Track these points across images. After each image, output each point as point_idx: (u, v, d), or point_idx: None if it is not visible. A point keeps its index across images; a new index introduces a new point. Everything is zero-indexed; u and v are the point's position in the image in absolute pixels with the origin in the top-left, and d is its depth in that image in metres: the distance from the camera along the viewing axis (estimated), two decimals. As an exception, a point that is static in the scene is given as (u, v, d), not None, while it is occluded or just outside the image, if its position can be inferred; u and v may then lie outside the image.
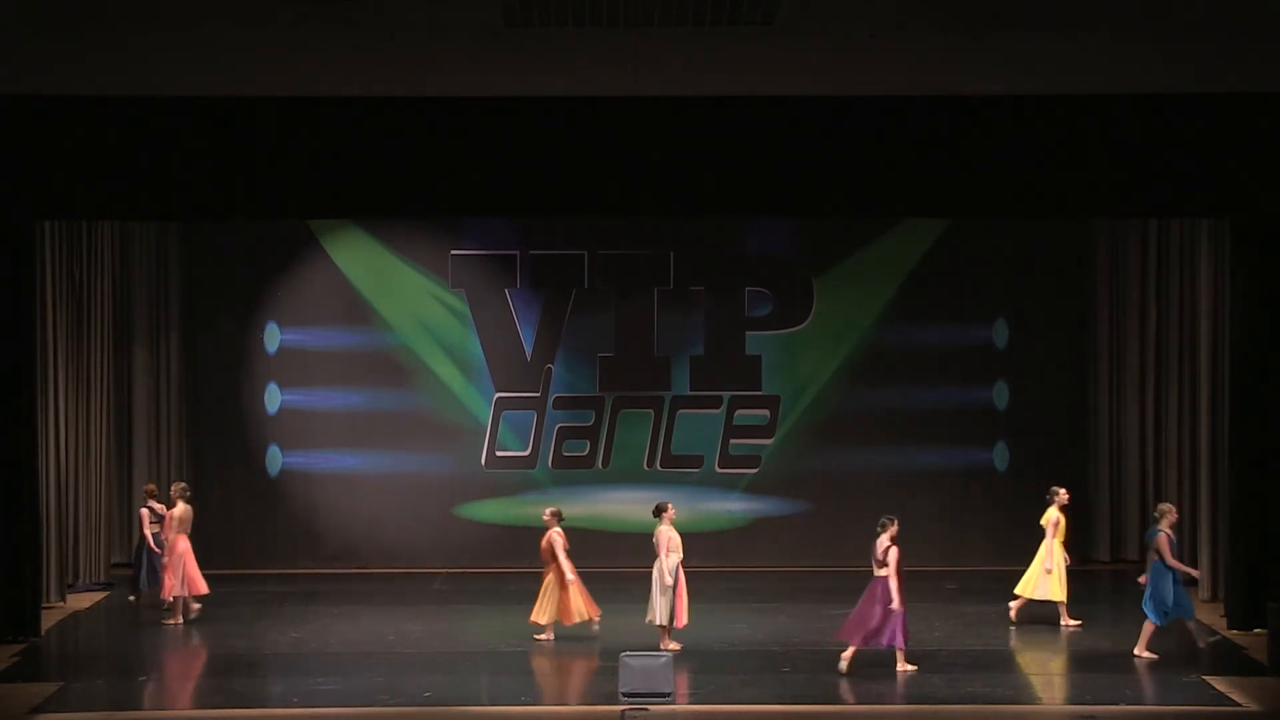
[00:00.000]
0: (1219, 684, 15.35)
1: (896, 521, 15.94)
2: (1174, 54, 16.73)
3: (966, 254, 21.90)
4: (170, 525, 18.49)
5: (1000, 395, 22.09)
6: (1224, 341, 18.49)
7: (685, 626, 16.66)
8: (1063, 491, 18.23)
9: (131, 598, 19.55)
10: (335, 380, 21.98)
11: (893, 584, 15.64)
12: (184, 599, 18.38)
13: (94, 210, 18.45)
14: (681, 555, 16.69)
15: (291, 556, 21.92)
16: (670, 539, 16.64)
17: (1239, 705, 14.70)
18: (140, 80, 16.63)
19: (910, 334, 21.99)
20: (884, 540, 15.83)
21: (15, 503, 17.37)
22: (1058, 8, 16.30)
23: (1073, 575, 18.28)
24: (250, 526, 21.96)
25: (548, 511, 17.42)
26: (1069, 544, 18.21)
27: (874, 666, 15.93)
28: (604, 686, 15.00)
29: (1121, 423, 21.92)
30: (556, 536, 17.14)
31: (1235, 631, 17.37)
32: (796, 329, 22.05)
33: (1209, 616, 18.00)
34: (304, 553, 21.94)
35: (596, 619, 17.24)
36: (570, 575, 16.98)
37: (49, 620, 18.24)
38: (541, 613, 17.12)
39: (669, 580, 16.51)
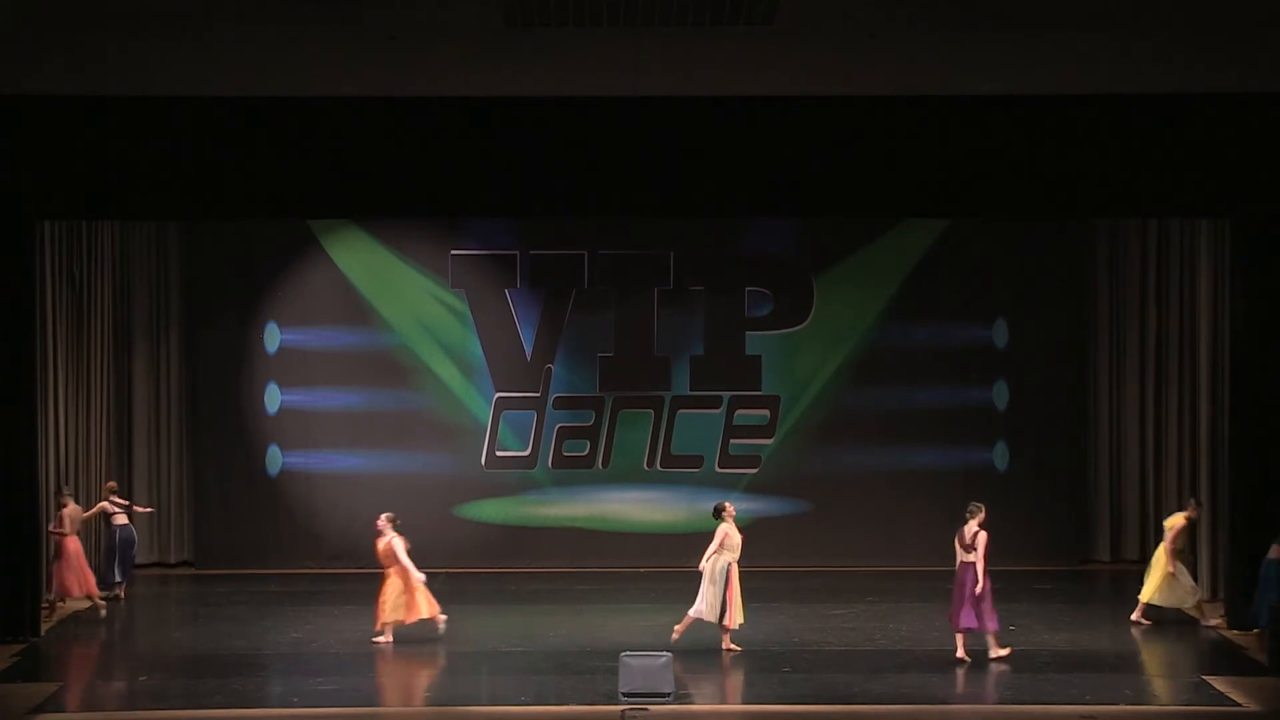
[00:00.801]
0: (1219, 684, 15.35)
1: (984, 509, 16.07)
2: (1174, 54, 16.72)
3: (966, 254, 21.87)
4: (63, 524, 18.61)
5: (1000, 395, 22.06)
6: (1224, 341, 18.48)
7: (729, 626, 16.57)
8: (1196, 504, 18.29)
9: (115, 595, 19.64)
10: (335, 380, 21.97)
11: (979, 567, 15.90)
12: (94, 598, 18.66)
13: (94, 210, 18.47)
14: (737, 555, 16.58)
15: (291, 556, 21.89)
16: (726, 536, 16.57)
17: (1239, 705, 14.70)
18: (140, 80, 16.63)
19: (910, 334, 21.96)
20: (973, 526, 16.02)
21: (15, 503, 17.37)
22: (1058, 8, 16.29)
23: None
24: (250, 526, 21.94)
25: (383, 517, 17.36)
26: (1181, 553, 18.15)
27: (874, 666, 15.95)
28: (604, 686, 15.00)
29: (1121, 423, 21.90)
30: (397, 541, 17.18)
31: (1235, 631, 17.36)
32: (796, 329, 22.02)
33: (1209, 616, 18.04)
34: (304, 553, 21.91)
35: (440, 618, 17.26)
36: (419, 575, 17.08)
37: (49, 620, 18.24)
38: (390, 614, 17.10)
39: (702, 565, 16.47)
